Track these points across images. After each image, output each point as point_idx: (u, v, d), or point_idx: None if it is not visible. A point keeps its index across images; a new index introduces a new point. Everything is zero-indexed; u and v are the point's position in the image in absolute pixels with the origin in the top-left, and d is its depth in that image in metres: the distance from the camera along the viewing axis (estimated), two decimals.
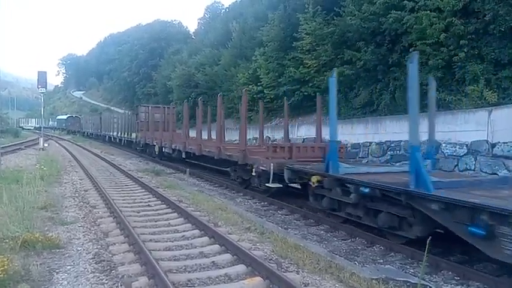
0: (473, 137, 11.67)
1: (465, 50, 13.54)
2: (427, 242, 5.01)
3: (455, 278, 5.78)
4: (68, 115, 72.72)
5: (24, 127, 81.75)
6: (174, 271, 5.39)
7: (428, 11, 14.22)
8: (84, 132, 53.42)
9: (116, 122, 33.95)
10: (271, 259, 5.94)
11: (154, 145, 21.61)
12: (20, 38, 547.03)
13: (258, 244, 6.69)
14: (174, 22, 75.95)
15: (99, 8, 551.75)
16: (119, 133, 31.96)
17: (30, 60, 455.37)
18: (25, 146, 29.82)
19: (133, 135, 27.63)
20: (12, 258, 5.20)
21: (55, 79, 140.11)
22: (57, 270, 5.37)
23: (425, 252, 4.83)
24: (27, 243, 5.94)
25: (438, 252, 6.59)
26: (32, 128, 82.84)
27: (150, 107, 26.29)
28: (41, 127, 71.05)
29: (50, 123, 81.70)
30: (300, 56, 21.14)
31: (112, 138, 34.81)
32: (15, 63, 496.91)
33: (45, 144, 29.52)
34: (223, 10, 53.98)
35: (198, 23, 65.94)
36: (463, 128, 12.05)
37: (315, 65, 20.26)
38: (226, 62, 31.63)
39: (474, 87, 13.01)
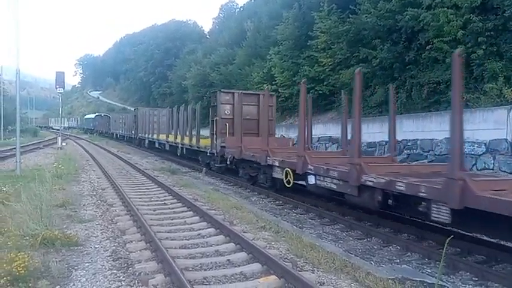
0: (492, 136, 11.47)
1: (483, 47, 13.31)
2: (446, 242, 4.98)
3: (474, 278, 5.69)
4: (96, 114, 64.54)
5: (54, 127, 79.68)
6: (190, 269, 5.43)
7: (446, 8, 14.02)
8: (113, 134, 46.16)
9: (157, 121, 27.89)
10: (286, 258, 5.93)
11: (274, 165, 10.82)
12: (38, 39, 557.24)
13: (273, 243, 6.69)
14: (189, 22, 76.53)
15: (116, 8, 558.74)
16: (166, 136, 23.52)
17: (48, 60, 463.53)
18: (43, 145, 30.46)
19: (190, 140, 18.78)
20: (32, 255, 5.30)
21: (72, 79, 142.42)
22: (75, 267, 5.45)
23: (444, 251, 4.79)
24: (46, 241, 6.05)
25: (456, 252, 6.52)
26: (61, 128, 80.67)
27: (238, 94, 15.27)
28: (69, 127, 71.35)
29: (74, 123, 78.39)
30: (315, 55, 21.07)
31: (156, 144, 26.01)
32: (34, 63, 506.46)
33: (63, 144, 30.03)
34: (238, 9, 54.14)
35: (213, 22, 66.36)
36: (481, 127, 11.84)
37: (330, 64, 20.18)
38: (240, 61, 31.69)
39: (493, 85, 12.79)
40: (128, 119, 37.37)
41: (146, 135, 28.47)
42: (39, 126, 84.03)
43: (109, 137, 47.80)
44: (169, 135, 23.06)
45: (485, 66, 13.25)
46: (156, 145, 26.14)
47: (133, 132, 33.75)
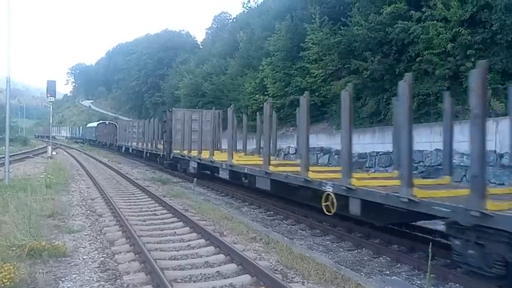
0: None
1: (472, 59, 13.49)
2: (429, 251, 5.02)
3: None
4: (100, 121, 52.26)
5: (56, 137, 74.30)
6: (179, 280, 5.38)
7: (435, 21, 14.24)
8: (120, 147, 35.42)
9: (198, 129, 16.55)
10: (276, 269, 5.91)
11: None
12: (30, 47, 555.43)
13: (263, 254, 6.66)
14: (182, 32, 76.66)
15: (108, 17, 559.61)
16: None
17: (40, 69, 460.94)
18: (33, 155, 30.12)
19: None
20: (19, 266, 5.23)
21: (64, 88, 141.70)
22: (62, 279, 5.38)
23: (429, 262, 4.83)
24: (33, 251, 5.98)
25: (446, 264, 6.53)
26: (64, 138, 73.10)
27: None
28: (72, 137, 66.60)
29: (77, 132, 67.07)
30: (307, 66, 21.23)
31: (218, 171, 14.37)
32: (25, 72, 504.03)
33: (53, 153, 29.78)
34: (231, 20, 54.37)
35: (206, 33, 66.50)
36: (469, 138, 11.94)
37: (321, 75, 20.34)
38: (233, 71, 31.80)
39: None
40: (144, 128, 27.40)
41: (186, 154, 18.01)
42: (38, 136, 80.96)
43: (115, 151, 37.93)
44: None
45: None
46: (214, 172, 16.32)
47: (150, 145, 25.49)
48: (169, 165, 20.95)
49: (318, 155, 18.33)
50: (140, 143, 28.61)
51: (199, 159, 15.92)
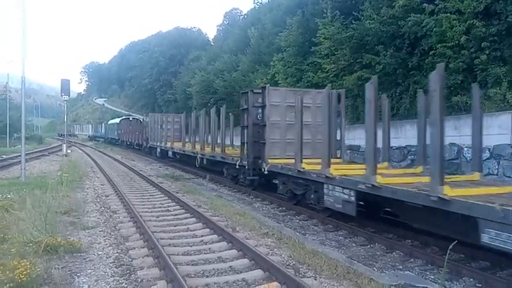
0: (496, 141, 11.40)
1: (487, 52, 13.26)
2: (448, 247, 4.96)
3: (477, 285, 5.66)
4: (123, 117, 47.23)
5: (79, 136, 71.86)
6: (192, 275, 5.43)
7: (449, 14, 13.99)
8: (153, 149, 27.93)
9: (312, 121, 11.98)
10: (288, 264, 5.92)
11: None
12: (44, 46, 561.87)
13: (275, 249, 6.69)
14: (193, 29, 76.79)
15: (121, 16, 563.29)
16: None
17: (54, 68, 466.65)
18: (49, 153, 30.61)
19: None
20: (35, 262, 5.33)
21: (78, 87, 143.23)
22: (78, 274, 5.48)
23: (446, 257, 4.77)
24: (49, 248, 6.09)
25: (460, 258, 6.47)
26: (87, 137, 67.55)
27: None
28: (94, 136, 63.03)
29: (100, 131, 59.32)
30: (319, 61, 21.07)
31: None
32: (40, 71, 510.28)
33: (68, 151, 30.20)
34: (242, 17, 54.28)
35: (217, 29, 66.44)
36: (485, 132, 11.72)
37: (333, 70, 20.16)
38: (244, 68, 31.76)
39: (496, 90, 12.73)
40: (205, 121, 18.71)
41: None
42: (61, 134, 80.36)
43: (147, 153, 30.47)
44: None
45: (489, 71, 13.19)
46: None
47: (222, 149, 16.51)
48: (260, 185, 13.29)
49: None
50: (188, 145, 20.74)
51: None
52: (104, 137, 54.33)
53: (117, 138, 44.14)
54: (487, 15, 13.57)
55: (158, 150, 26.18)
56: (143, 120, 36.79)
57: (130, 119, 42.48)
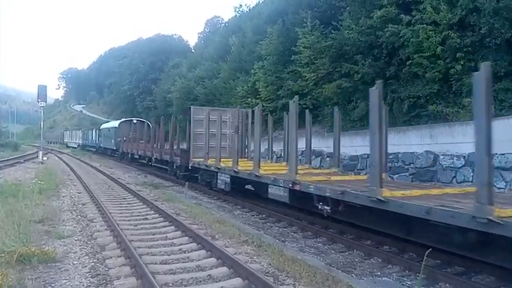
0: (471, 149, 11.65)
1: (461, 62, 13.62)
2: (425, 254, 5.03)
3: None
4: (122, 119, 37.58)
5: (69, 144, 62.73)
6: (170, 284, 5.37)
7: (425, 25, 14.34)
8: (174, 167, 18.87)
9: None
10: (267, 272, 5.91)
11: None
12: (21, 52, 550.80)
13: (255, 257, 6.66)
14: (174, 36, 76.56)
15: (101, 22, 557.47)
16: None
17: (31, 73, 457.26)
18: (24, 160, 29.84)
19: None
20: (8, 272, 5.18)
21: (56, 93, 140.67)
22: (52, 284, 5.34)
23: (423, 263, 4.84)
24: (23, 257, 5.92)
25: (436, 264, 6.58)
26: (76, 146, 55.30)
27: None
28: (84, 145, 51.47)
29: (92, 138, 46.71)
30: (299, 69, 21.27)
31: None
32: (16, 76, 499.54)
33: (44, 158, 29.55)
34: (223, 24, 54.38)
35: (198, 37, 66.50)
36: (460, 140, 12.06)
37: (313, 78, 20.37)
38: (225, 75, 31.79)
39: (471, 99, 13.05)
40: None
41: None
42: (51, 142, 73.45)
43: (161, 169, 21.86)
44: None
45: (464, 81, 13.54)
46: None
47: None
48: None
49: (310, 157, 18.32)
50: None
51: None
52: (95, 147, 43.18)
53: (114, 148, 34.30)
54: (462, 26, 13.97)
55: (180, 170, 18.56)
56: (149, 122, 29.43)
57: (134, 121, 32.60)
